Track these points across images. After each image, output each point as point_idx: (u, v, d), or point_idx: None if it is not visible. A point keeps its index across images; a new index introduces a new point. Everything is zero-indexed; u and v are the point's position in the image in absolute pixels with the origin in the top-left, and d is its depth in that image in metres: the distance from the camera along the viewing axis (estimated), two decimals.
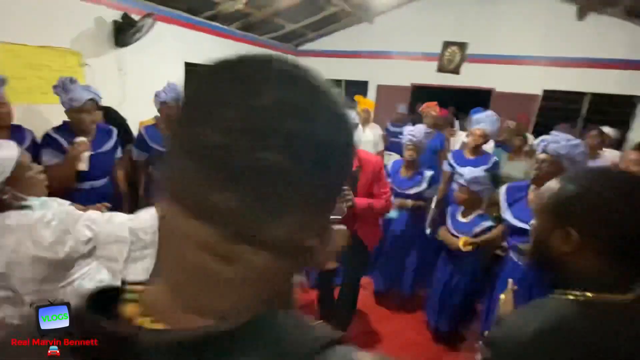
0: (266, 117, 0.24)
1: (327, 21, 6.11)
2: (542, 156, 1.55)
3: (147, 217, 1.03)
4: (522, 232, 1.49)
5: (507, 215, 1.65)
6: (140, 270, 0.98)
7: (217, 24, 4.95)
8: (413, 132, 2.44)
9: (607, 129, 3.83)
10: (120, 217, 1.04)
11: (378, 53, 6.35)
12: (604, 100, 4.98)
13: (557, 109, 5.29)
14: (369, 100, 3.99)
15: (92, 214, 1.01)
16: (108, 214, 1.05)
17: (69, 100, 1.90)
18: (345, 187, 1.68)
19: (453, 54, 5.75)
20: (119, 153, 2.29)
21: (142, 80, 3.68)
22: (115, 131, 2.27)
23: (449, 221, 2.24)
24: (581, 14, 4.84)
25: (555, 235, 0.59)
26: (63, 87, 1.91)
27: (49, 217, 0.93)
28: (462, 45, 5.66)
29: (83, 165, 1.93)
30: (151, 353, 0.26)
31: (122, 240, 0.98)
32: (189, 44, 4.57)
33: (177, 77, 4.49)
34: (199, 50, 4.77)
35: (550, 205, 0.62)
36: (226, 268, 0.27)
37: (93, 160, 1.98)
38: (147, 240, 1.00)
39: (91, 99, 2.00)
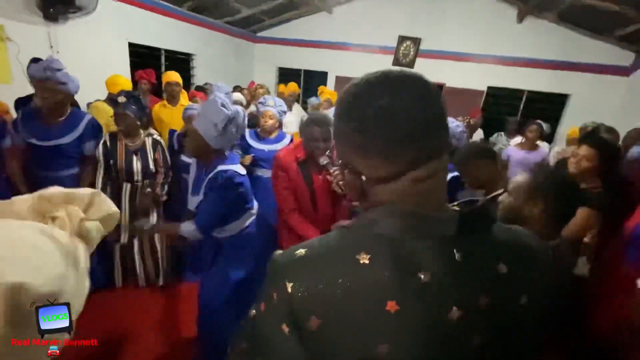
0: None
1: (285, 8, 5.96)
2: None
3: None
4: None
5: None
6: None
7: (166, 3, 4.58)
8: None
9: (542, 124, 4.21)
10: None
11: (337, 44, 6.35)
12: (539, 97, 5.50)
13: (499, 104, 5.74)
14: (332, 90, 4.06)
15: None
16: None
17: None
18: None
19: (408, 49, 5.95)
20: (7, 141, 1.97)
21: (80, 61, 3.31)
22: None
23: None
24: (520, 17, 5.26)
25: (528, 205, 1.03)
26: None
27: None
28: (416, 41, 5.87)
29: None
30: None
31: None
32: (133, 23, 4.17)
33: (121, 59, 4.14)
34: (144, 31, 4.37)
35: (525, 190, 1.05)
36: None
37: None
38: None
39: None
